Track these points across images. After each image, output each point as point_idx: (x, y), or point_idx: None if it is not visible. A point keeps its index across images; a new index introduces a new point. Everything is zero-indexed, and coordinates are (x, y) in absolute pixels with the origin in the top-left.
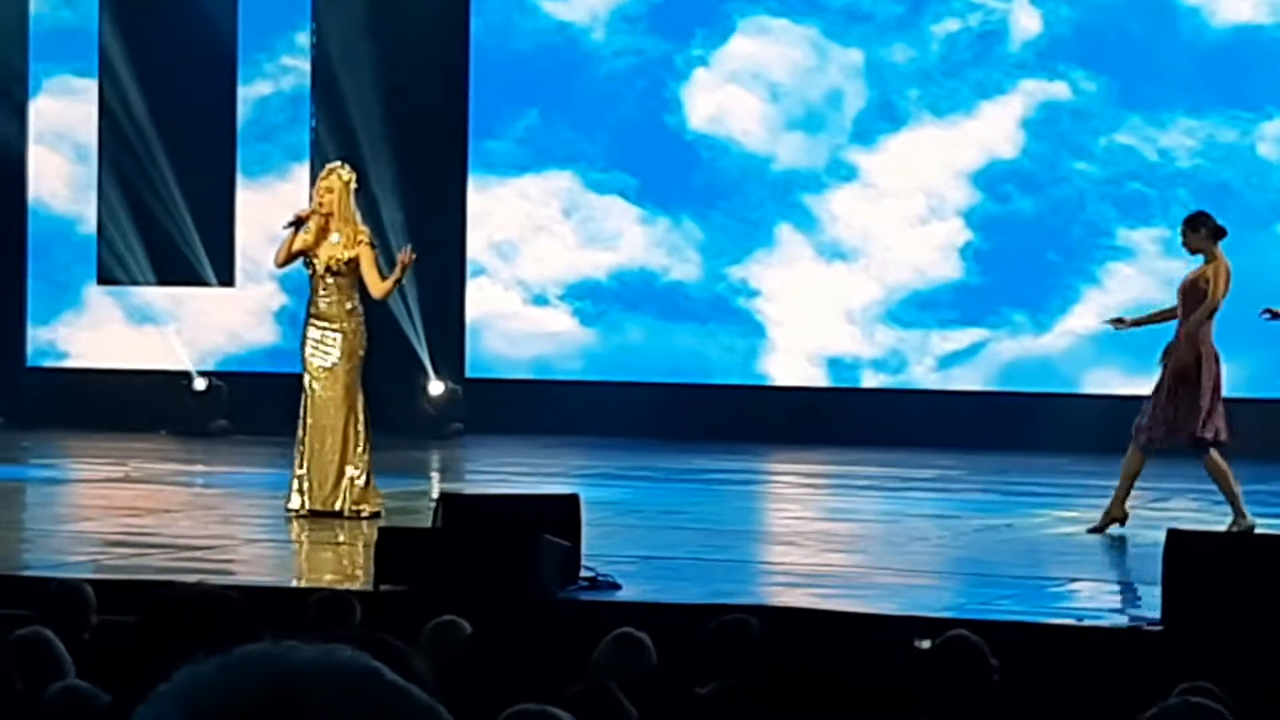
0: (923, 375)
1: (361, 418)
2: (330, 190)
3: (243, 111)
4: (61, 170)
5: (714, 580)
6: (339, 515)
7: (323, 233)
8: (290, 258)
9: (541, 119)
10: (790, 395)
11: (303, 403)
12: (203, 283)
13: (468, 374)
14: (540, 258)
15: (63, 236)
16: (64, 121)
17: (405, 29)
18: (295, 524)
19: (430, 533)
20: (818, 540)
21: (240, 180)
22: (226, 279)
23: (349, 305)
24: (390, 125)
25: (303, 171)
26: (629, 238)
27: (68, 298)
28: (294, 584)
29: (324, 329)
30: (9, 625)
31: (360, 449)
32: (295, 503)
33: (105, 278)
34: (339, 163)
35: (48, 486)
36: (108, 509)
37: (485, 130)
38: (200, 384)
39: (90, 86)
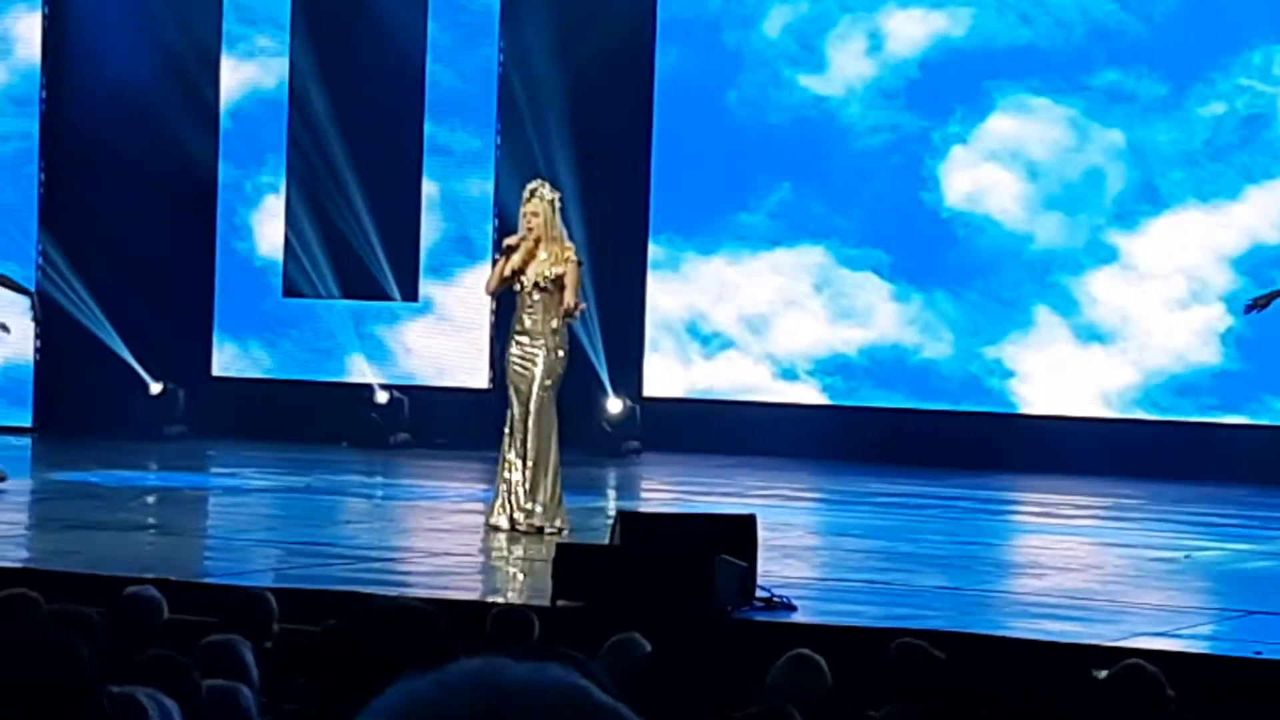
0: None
1: (554, 436)
2: (536, 214)
3: (432, 133)
4: (255, 188)
5: (890, 603)
6: (528, 531)
7: (530, 254)
8: (501, 284)
9: (795, 193)
10: (958, 420)
11: (506, 417)
12: (386, 297)
13: (645, 393)
14: (791, 332)
15: (249, 250)
16: (260, 140)
17: (593, 74)
18: (475, 538)
19: (607, 550)
20: (993, 565)
21: (425, 196)
22: (410, 294)
23: (554, 323)
24: (577, 147)
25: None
26: (881, 314)
27: (256, 310)
28: (473, 598)
29: (526, 345)
30: (193, 632)
31: (552, 467)
32: (499, 518)
33: (290, 291)
34: (541, 182)
35: (231, 496)
36: (290, 519)
37: (739, 203)
38: (382, 397)
39: (283, 107)
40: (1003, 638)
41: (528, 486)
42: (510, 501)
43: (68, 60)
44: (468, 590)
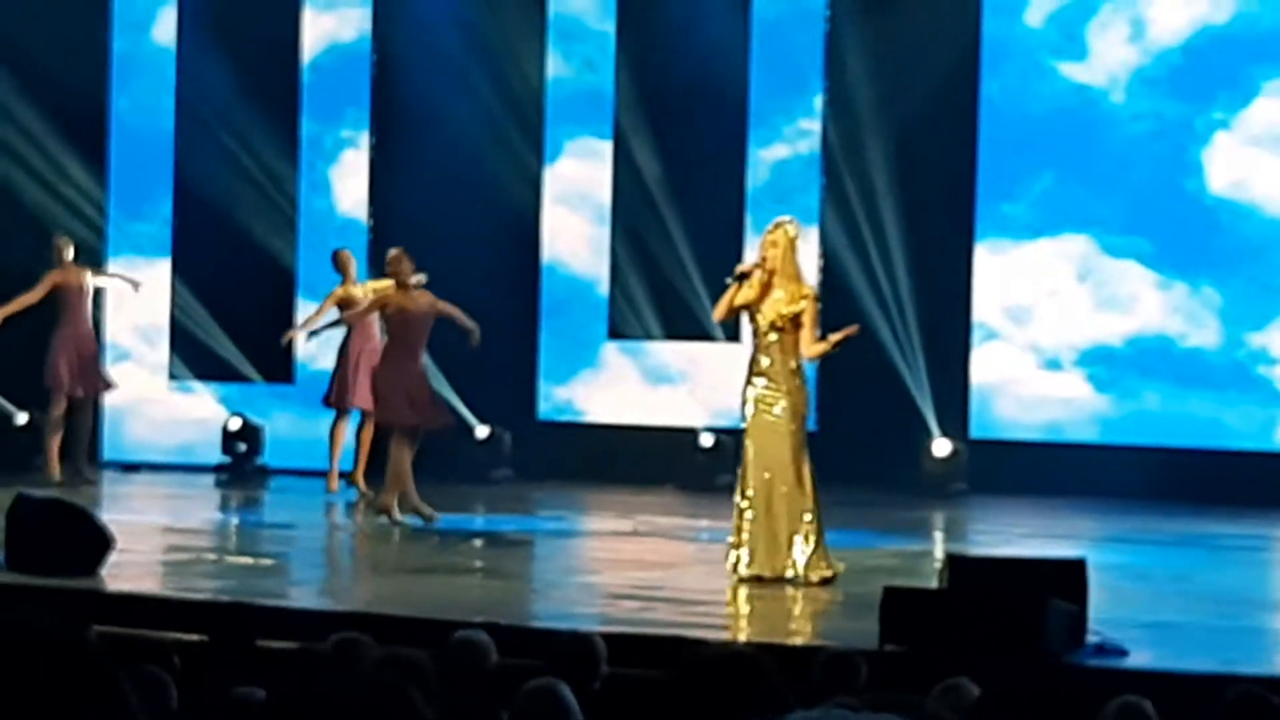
0: None
1: (810, 480)
2: (775, 245)
3: (756, 172)
4: (577, 229)
5: (1225, 649)
6: (790, 581)
7: (766, 289)
8: (731, 312)
9: (1057, 182)
10: None
11: (742, 462)
12: (710, 338)
13: (972, 434)
14: (1054, 322)
15: (577, 294)
16: (582, 182)
17: (916, 90)
18: (791, 584)
19: (936, 593)
20: None
21: (748, 233)
22: (733, 335)
23: (791, 364)
24: (900, 185)
25: (811, 234)
26: (1145, 303)
27: (580, 354)
28: (799, 642)
29: (766, 388)
30: (519, 675)
31: (809, 515)
32: (731, 562)
33: (615, 332)
34: (787, 217)
35: (557, 539)
36: (615, 562)
37: (1001, 193)
38: (707, 440)
39: (606, 148)
40: None
41: (788, 536)
42: (757, 550)
43: (396, 101)
44: (794, 634)
